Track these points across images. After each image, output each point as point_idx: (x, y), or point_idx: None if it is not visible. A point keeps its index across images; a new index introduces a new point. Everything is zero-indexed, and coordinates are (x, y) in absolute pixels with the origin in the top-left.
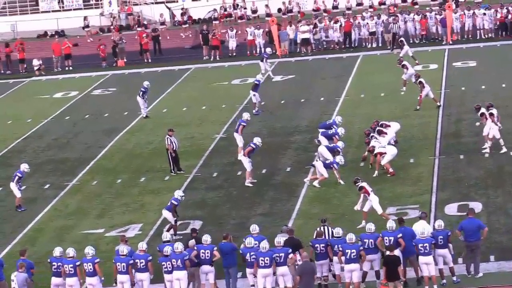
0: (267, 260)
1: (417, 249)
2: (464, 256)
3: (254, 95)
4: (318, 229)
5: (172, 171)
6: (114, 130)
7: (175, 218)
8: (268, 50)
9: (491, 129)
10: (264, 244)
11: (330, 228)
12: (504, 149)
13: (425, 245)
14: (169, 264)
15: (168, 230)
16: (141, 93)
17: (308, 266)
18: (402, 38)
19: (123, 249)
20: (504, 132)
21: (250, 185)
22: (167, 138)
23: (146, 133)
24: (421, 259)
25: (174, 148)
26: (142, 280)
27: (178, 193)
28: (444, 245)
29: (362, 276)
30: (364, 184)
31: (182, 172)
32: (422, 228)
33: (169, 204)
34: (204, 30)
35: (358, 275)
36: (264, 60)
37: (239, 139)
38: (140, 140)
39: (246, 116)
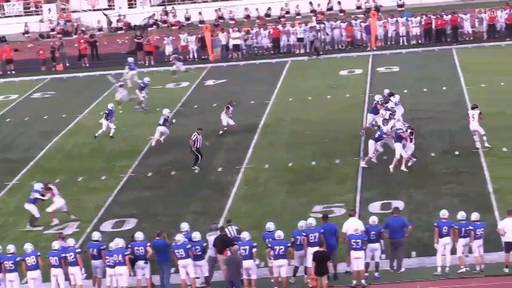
0: (181, 251)
1: (350, 244)
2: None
3: (143, 95)
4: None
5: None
6: (53, 132)
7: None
8: (130, 59)
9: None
10: (179, 238)
11: (234, 228)
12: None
13: (357, 241)
14: (112, 258)
15: (31, 223)
16: (106, 115)
17: (233, 260)
18: (176, 55)
19: (55, 244)
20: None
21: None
22: (195, 135)
23: (84, 135)
24: (353, 253)
25: (198, 146)
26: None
27: (39, 185)
28: (376, 240)
29: (293, 270)
30: (52, 186)
31: (195, 168)
32: (355, 225)
33: (31, 197)
34: (139, 36)
35: (287, 270)
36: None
37: (163, 130)
38: (77, 142)
39: (166, 111)
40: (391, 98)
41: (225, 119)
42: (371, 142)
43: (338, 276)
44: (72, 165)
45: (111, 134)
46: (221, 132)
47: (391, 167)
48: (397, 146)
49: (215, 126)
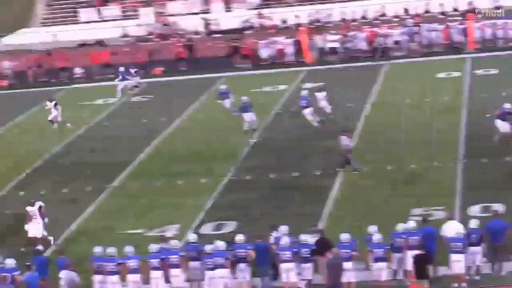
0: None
1: (450, 247)
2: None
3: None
4: None
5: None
6: (152, 135)
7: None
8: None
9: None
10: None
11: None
12: None
13: (458, 244)
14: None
15: None
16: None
17: (333, 262)
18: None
19: (155, 246)
20: None
21: None
22: (341, 138)
23: (185, 138)
24: (453, 257)
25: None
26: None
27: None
28: (477, 243)
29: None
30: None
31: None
32: (456, 228)
33: None
34: (235, 40)
35: (387, 273)
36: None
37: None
38: (179, 146)
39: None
40: None
41: (325, 105)
42: None
43: (437, 279)
44: (172, 167)
45: (254, 127)
46: (319, 120)
47: None
48: None
49: (310, 129)
